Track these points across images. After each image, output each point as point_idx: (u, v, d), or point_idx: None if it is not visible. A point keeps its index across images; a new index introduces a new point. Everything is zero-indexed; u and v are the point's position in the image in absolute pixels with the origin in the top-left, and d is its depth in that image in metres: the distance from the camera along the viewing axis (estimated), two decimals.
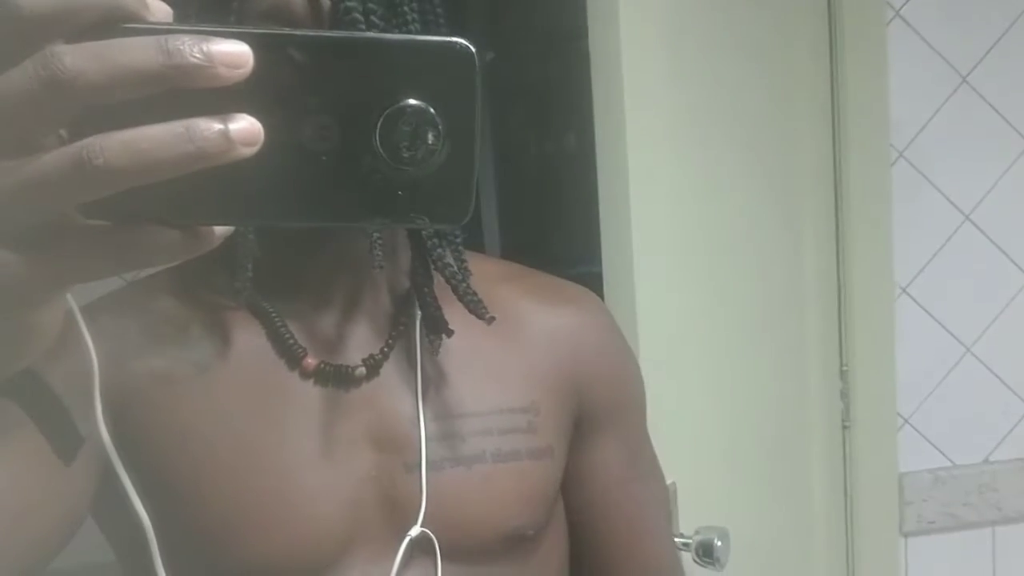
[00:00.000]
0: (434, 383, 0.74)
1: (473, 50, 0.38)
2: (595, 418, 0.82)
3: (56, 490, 0.62)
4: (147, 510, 0.64)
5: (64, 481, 0.62)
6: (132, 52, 0.34)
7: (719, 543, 1.23)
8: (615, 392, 0.84)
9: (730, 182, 1.43)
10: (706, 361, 1.39)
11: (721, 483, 1.40)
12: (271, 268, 0.72)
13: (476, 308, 0.74)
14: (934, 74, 1.61)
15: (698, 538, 1.24)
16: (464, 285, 0.74)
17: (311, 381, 0.72)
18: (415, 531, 0.70)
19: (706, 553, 1.23)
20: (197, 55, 0.34)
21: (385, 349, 0.74)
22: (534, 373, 0.78)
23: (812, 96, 1.57)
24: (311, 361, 0.72)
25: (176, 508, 0.68)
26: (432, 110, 0.38)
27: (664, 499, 0.91)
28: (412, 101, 0.38)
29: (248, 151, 0.35)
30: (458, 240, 0.75)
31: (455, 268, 0.74)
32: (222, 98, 0.35)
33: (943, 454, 1.68)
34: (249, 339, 0.72)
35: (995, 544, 1.72)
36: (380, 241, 0.69)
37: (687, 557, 1.25)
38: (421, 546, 0.71)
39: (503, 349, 0.77)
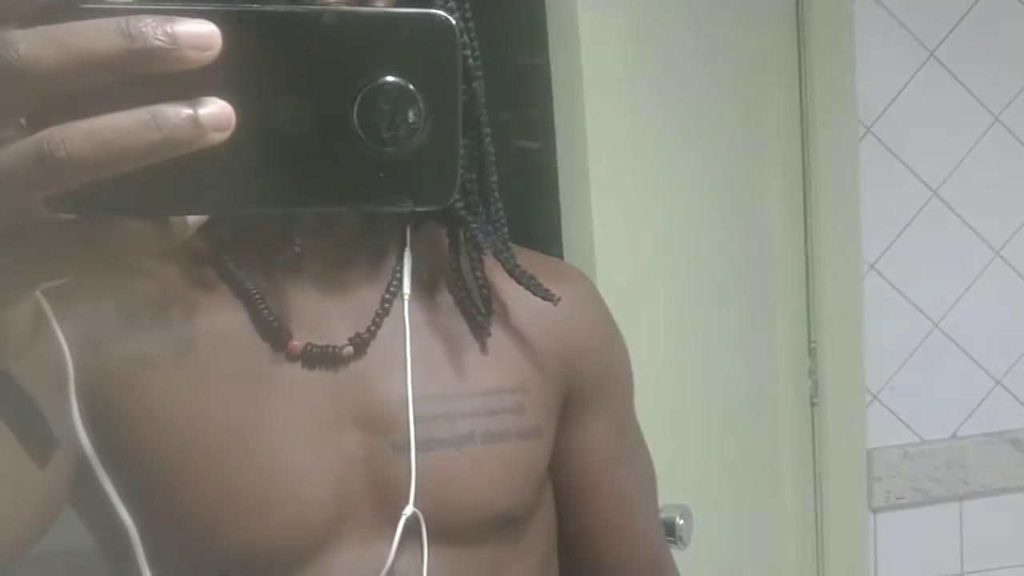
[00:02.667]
0: (422, 363, 0.73)
1: (453, 22, 0.37)
2: (583, 397, 0.82)
3: (30, 484, 0.60)
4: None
5: (40, 476, 0.60)
6: (91, 36, 0.32)
7: (681, 521, 1.22)
8: (603, 371, 0.84)
9: (695, 158, 1.42)
10: (672, 338, 1.38)
11: (687, 461, 1.40)
12: (251, 246, 0.71)
13: (538, 290, 0.75)
14: (902, 49, 1.60)
15: (661, 517, 1.23)
16: (520, 268, 0.75)
17: (297, 363, 0.71)
18: (408, 511, 0.69)
19: (668, 531, 1.23)
20: (161, 37, 0.32)
21: (372, 328, 0.73)
22: (523, 353, 0.77)
23: (779, 71, 1.56)
24: (297, 343, 0.71)
25: (159, 495, 0.67)
26: (412, 87, 0.36)
27: (650, 477, 0.91)
28: (390, 78, 0.36)
29: (220, 137, 0.33)
30: (504, 226, 0.75)
31: (508, 252, 0.75)
32: (190, 82, 0.33)
33: (911, 430, 1.69)
34: (232, 320, 0.71)
35: (963, 519, 1.73)
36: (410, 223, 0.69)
37: None
38: (409, 528, 0.70)
39: (491, 328, 0.76)
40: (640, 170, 1.32)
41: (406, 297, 0.74)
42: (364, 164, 0.36)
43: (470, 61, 0.69)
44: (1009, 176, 1.65)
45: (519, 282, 0.75)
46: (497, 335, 0.77)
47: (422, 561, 0.70)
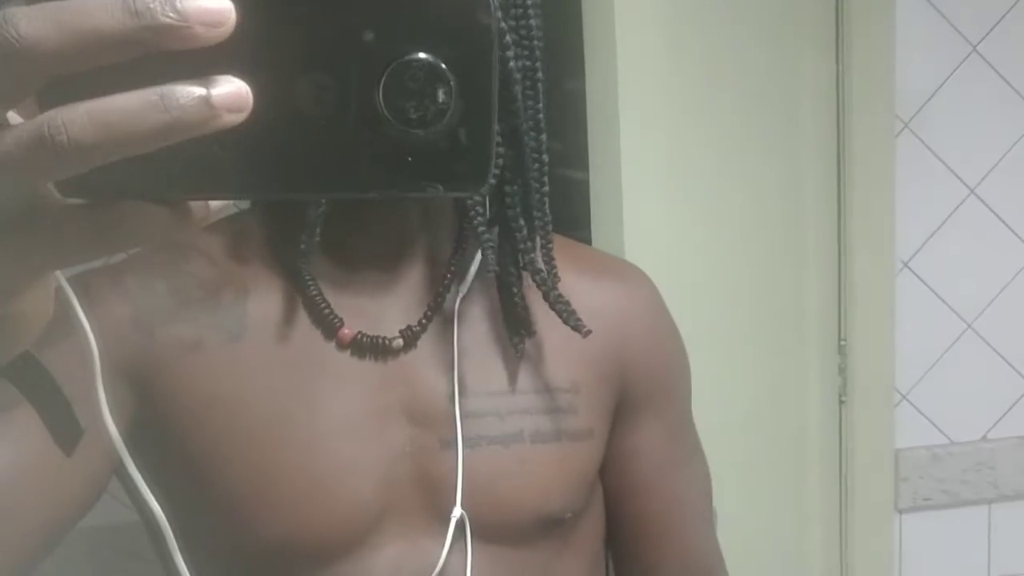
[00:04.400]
0: (473, 359, 0.72)
1: (490, 0, 0.34)
2: (638, 400, 0.80)
3: (60, 471, 0.60)
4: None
5: (68, 463, 0.59)
6: (95, 14, 0.30)
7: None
8: (660, 374, 0.82)
9: (731, 152, 1.40)
10: (701, 333, 1.37)
11: (712, 455, 1.38)
12: (305, 233, 0.69)
13: (569, 318, 0.72)
14: (943, 43, 1.56)
15: None
16: (555, 292, 0.72)
17: (347, 352, 0.70)
18: (456, 513, 0.68)
19: None
20: (170, 14, 0.30)
21: (424, 321, 0.72)
22: (576, 352, 0.76)
23: (817, 63, 1.53)
24: (347, 332, 0.70)
25: (201, 480, 0.66)
26: (443, 64, 0.34)
27: (706, 486, 0.89)
28: (419, 55, 0.34)
29: (235, 118, 0.31)
30: (550, 242, 0.72)
31: (545, 273, 0.72)
32: (202, 60, 0.31)
33: (940, 431, 1.66)
34: (284, 307, 0.70)
35: (991, 522, 1.70)
36: (479, 216, 0.67)
37: None
38: (464, 527, 0.69)
39: (545, 325, 0.75)
40: (673, 165, 1.30)
41: (461, 293, 0.73)
42: (390, 147, 0.34)
43: (508, 39, 0.64)
44: None
45: (553, 309, 0.72)
46: (551, 335, 0.75)
47: (467, 560, 0.69)
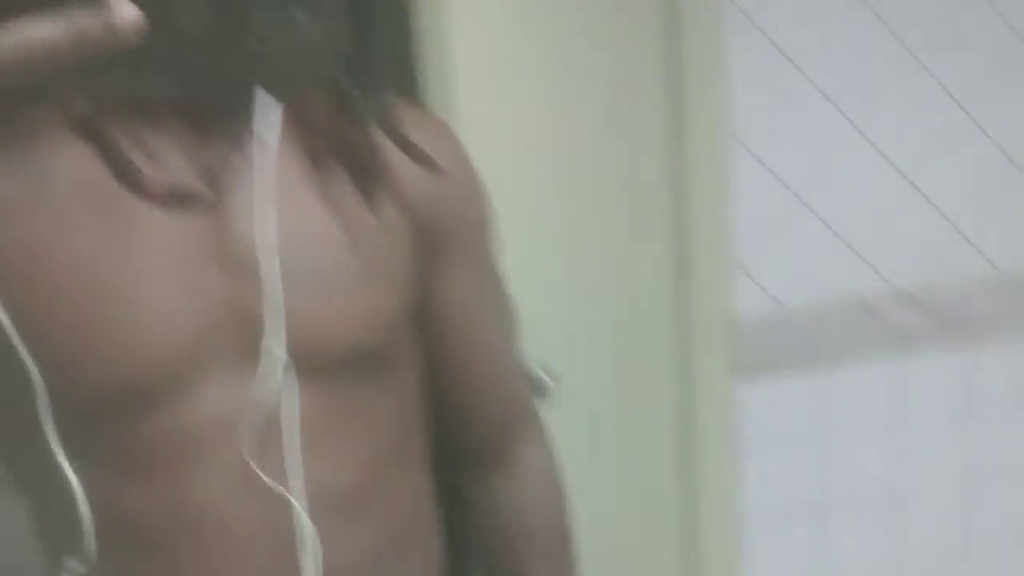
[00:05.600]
0: (283, 203, 0.74)
1: None
2: (445, 244, 0.84)
3: None
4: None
5: None
6: None
7: (543, 375, 1.27)
8: (463, 220, 0.86)
9: (566, 38, 1.43)
10: (536, 202, 1.41)
11: (551, 323, 1.44)
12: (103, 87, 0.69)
13: (417, 155, 0.77)
14: None
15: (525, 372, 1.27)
16: (399, 131, 0.76)
17: (155, 204, 0.70)
18: (276, 349, 0.71)
19: (534, 388, 1.27)
20: None
21: (231, 170, 0.73)
22: (385, 197, 0.79)
23: None
24: (151, 182, 0.70)
25: (29, 342, 0.66)
26: None
27: (512, 322, 0.95)
28: None
29: (130, 37, 0.38)
30: (387, 93, 0.76)
31: (386, 111, 0.76)
32: None
33: (775, 300, 1.76)
34: (87, 164, 0.69)
35: (826, 385, 1.83)
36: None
37: None
38: (276, 363, 0.72)
39: (354, 177, 0.77)
40: (506, 30, 1.32)
41: (270, 144, 0.74)
42: (260, 57, 0.43)
43: None
44: (867, 50, 1.72)
45: (401, 149, 0.76)
46: (359, 183, 0.77)
47: (286, 393, 0.73)
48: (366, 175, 0.77)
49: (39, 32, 0.36)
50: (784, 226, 1.74)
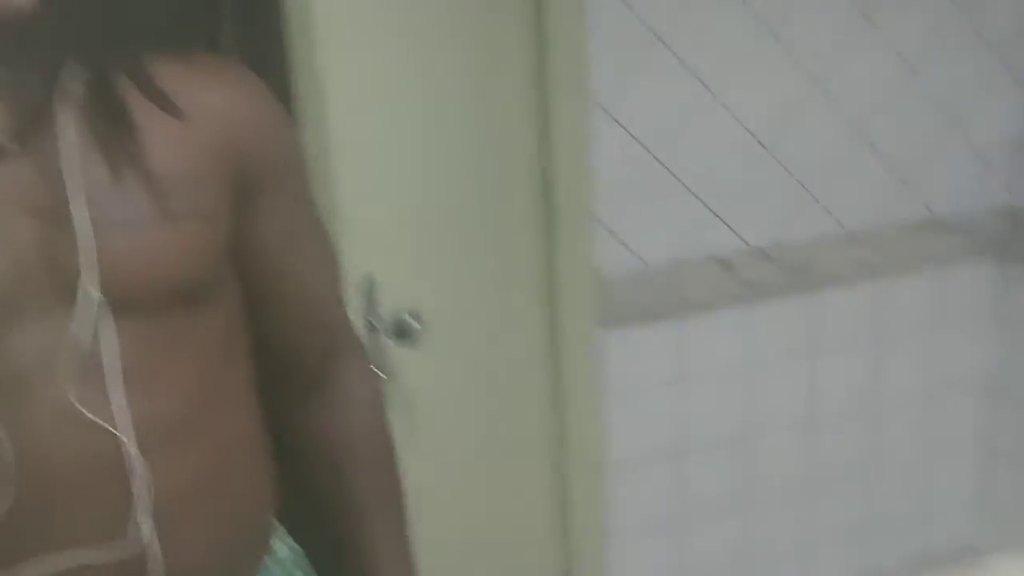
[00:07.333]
0: (95, 151, 0.78)
1: None
2: (255, 184, 0.89)
3: None
4: None
5: None
6: None
7: (411, 321, 1.34)
8: (271, 159, 0.91)
9: (437, 19, 1.49)
10: (406, 160, 1.48)
11: (421, 275, 1.51)
12: None
13: (167, 106, 0.80)
14: None
15: (392, 317, 1.35)
16: (153, 86, 0.80)
17: None
18: (91, 291, 0.75)
19: (400, 332, 1.35)
20: None
21: (31, 122, 0.77)
22: (192, 143, 0.83)
23: None
24: None
25: None
26: None
27: (328, 255, 1.01)
28: None
29: None
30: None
31: (142, 70, 0.80)
32: None
33: (636, 255, 1.87)
34: None
35: (681, 333, 1.96)
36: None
37: (386, 342, 1.37)
38: (92, 303, 0.76)
39: (162, 121, 0.82)
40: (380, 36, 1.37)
41: (74, 94, 0.79)
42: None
43: None
44: (722, 17, 1.82)
45: (150, 100, 0.81)
46: (166, 128, 0.82)
47: (108, 332, 0.77)
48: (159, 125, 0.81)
49: None
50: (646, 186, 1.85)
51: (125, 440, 0.78)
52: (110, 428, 0.77)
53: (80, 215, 0.76)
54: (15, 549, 0.78)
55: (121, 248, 0.78)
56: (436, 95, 1.57)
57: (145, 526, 0.79)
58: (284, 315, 0.96)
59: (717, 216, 1.93)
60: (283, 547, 0.98)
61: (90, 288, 0.76)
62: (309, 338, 0.99)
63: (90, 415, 0.77)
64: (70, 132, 0.78)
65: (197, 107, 0.84)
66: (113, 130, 0.80)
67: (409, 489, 1.03)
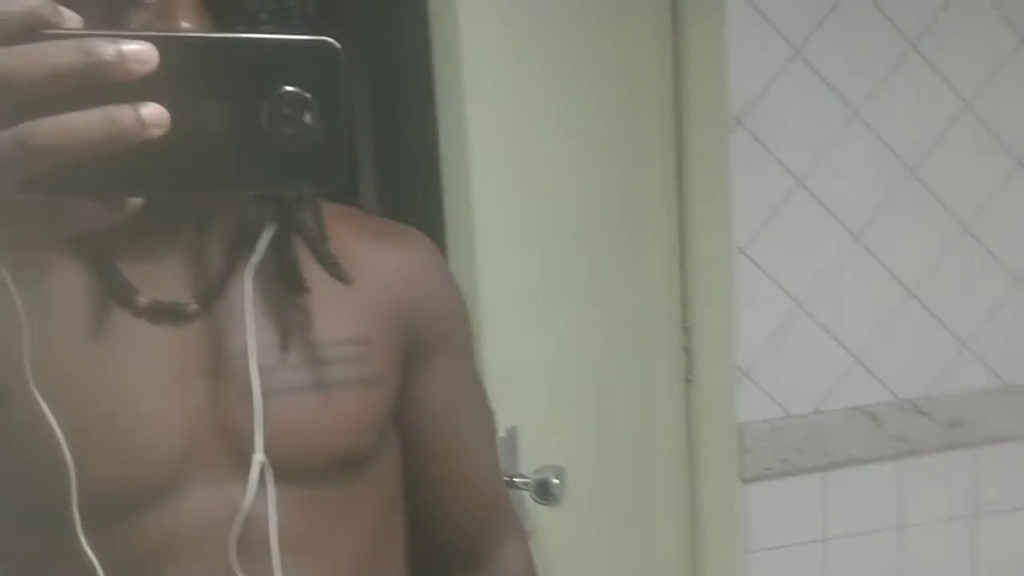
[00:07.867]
0: (270, 316, 0.79)
1: (338, 46, 0.48)
2: (424, 348, 0.88)
3: None
4: None
5: None
6: (57, 52, 0.42)
7: (555, 481, 1.30)
8: (442, 324, 0.91)
9: (573, 153, 1.49)
10: (551, 317, 1.46)
11: (563, 430, 1.47)
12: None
13: (335, 271, 0.80)
14: (770, 46, 1.71)
15: (536, 477, 1.31)
16: (323, 248, 0.80)
17: (143, 318, 0.75)
18: (258, 458, 0.75)
19: (542, 491, 1.30)
20: (111, 53, 0.42)
21: (217, 284, 0.78)
22: (365, 307, 0.83)
23: (655, 69, 1.65)
24: (143, 299, 0.75)
25: (19, 453, 0.71)
26: (308, 95, 0.47)
27: (489, 423, 0.99)
28: (291, 88, 0.47)
29: (158, 132, 0.43)
30: (319, 206, 0.80)
31: (315, 231, 0.80)
32: (134, 89, 0.43)
33: (778, 404, 1.80)
34: (79, 281, 0.74)
35: (825, 487, 1.85)
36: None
37: (526, 497, 1.32)
38: (262, 472, 0.76)
39: (336, 285, 0.82)
40: (519, 160, 1.39)
41: (255, 258, 0.78)
42: (273, 155, 0.47)
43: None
44: (868, 166, 1.78)
45: (321, 264, 0.80)
46: (341, 290, 0.82)
47: (269, 500, 0.76)
48: (331, 287, 0.81)
49: (78, 118, 0.42)
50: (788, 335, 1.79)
51: None
52: None
53: (256, 382, 0.76)
54: None
55: (289, 417, 0.77)
56: (568, 248, 1.55)
57: None
58: (443, 481, 0.94)
59: (862, 365, 1.84)
60: None
61: (261, 456, 0.75)
62: (467, 508, 0.96)
63: None
64: (248, 294, 0.78)
65: (371, 269, 0.84)
66: (287, 294, 0.80)
67: None
